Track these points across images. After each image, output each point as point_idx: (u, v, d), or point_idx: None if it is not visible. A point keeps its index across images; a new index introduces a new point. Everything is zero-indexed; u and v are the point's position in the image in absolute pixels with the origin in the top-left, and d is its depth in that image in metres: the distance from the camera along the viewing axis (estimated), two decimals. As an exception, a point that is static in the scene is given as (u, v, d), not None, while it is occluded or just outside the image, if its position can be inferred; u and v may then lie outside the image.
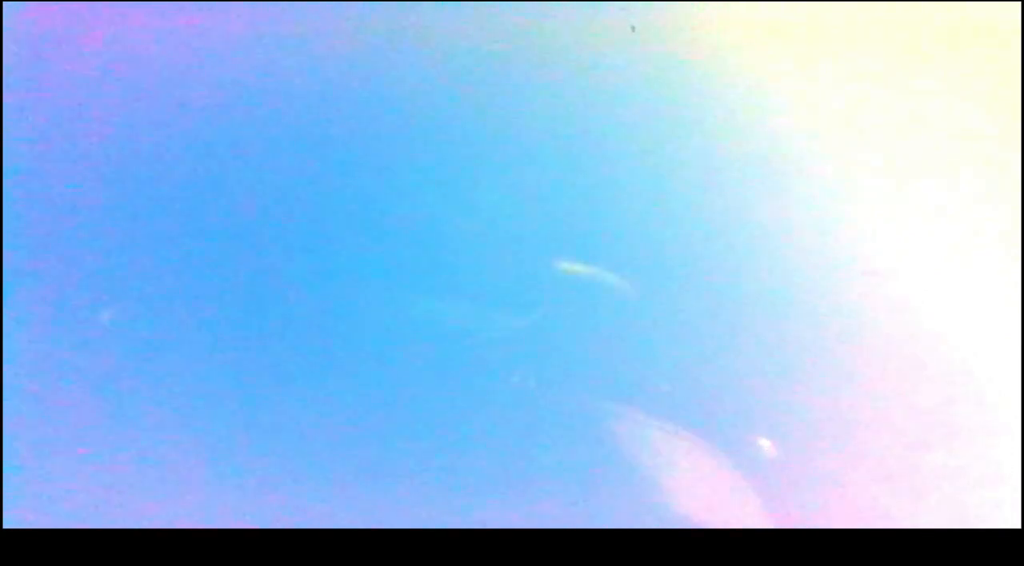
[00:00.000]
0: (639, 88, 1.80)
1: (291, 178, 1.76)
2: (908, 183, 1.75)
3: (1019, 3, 1.75)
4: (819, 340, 1.67)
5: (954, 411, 1.63)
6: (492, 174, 1.78)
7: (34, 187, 1.67)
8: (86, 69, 1.74)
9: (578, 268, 1.71)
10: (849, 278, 1.70)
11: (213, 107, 1.76)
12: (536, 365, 1.67)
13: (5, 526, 1.47)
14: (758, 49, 1.80)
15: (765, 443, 1.62)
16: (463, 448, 1.62)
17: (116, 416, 1.60)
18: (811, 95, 1.79)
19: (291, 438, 1.61)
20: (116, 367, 1.62)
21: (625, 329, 1.70)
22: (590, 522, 1.54)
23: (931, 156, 1.76)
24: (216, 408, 1.62)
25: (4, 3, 1.69)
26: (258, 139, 1.76)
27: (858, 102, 1.79)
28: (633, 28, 1.79)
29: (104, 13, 1.75)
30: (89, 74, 1.74)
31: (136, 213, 1.71)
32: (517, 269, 1.73)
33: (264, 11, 1.78)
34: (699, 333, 1.69)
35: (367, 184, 1.77)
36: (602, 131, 1.79)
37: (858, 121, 1.78)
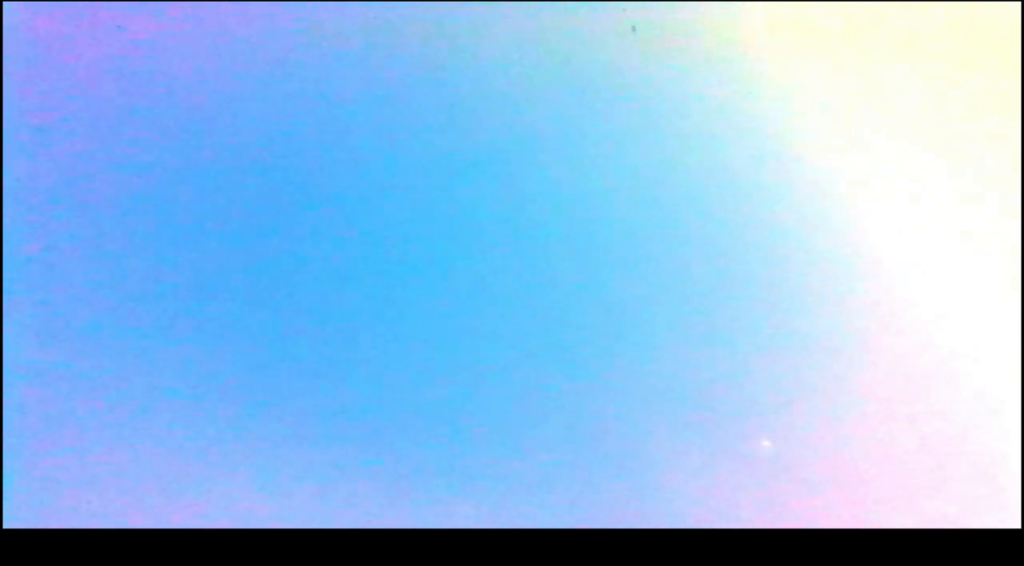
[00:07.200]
0: (640, 88, 1.80)
1: (290, 178, 1.76)
2: (908, 183, 1.75)
3: (1019, 3, 1.75)
4: (819, 340, 1.67)
5: (954, 411, 1.63)
6: (493, 174, 1.78)
7: (34, 187, 1.67)
8: (86, 69, 1.74)
9: None
10: (849, 278, 1.70)
11: (213, 107, 1.76)
12: (535, 364, 1.67)
13: (5, 526, 1.47)
14: (757, 49, 1.80)
15: (765, 443, 1.62)
16: (462, 448, 1.62)
17: (116, 416, 1.60)
18: (811, 95, 1.79)
19: (290, 438, 1.61)
20: (116, 367, 1.62)
21: (625, 328, 1.70)
22: (590, 522, 1.54)
23: (931, 156, 1.76)
24: (217, 408, 1.62)
25: (4, 3, 1.69)
26: (257, 139, 1.76)
27: (857, 102, 1.79)
28: (633, 28, 1.79)
29: (104, 13, 1.75)
30: (89, 74, 1.74)
31: (137, 213, 1.71)
32: (516, 269, 1.73)
33: (264, 11, 1.78)
34: (699, 333, 1.69)
35: (366, 184, 1.77)
36: (603, 131, 1.79)
37: (857, 121, 1.78)
